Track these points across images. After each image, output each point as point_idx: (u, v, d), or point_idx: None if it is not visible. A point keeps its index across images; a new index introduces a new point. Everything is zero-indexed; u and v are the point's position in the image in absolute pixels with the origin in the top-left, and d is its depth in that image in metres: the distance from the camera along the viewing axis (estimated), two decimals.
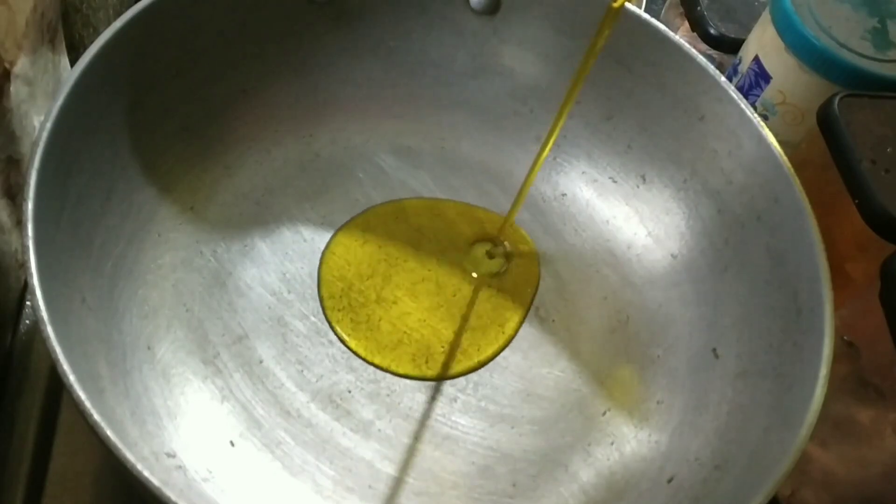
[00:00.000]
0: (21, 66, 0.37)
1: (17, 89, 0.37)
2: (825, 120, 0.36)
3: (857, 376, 0.38)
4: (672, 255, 0.43)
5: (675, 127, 0.43)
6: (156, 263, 0.38)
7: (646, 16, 0.41)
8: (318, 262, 0.41)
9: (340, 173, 0.44)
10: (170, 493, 0.27)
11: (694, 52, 0.41)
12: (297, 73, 0.43)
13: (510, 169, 0.46)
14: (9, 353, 0.39)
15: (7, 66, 0.36)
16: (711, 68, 0.41)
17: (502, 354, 0.40)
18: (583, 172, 0.46)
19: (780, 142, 0.39)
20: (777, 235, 0.38)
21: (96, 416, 0.27)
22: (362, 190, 0.44)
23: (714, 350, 0.40)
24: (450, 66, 0.45)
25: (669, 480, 0.36)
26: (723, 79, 0.40)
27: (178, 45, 0.38)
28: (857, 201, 0.34)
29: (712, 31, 0.51)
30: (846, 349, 0.38)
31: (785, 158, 0.38)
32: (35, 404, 0.38)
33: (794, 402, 0.33)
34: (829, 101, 0.37)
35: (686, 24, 0.62)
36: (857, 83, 0.41)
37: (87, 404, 0.27)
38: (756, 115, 0.39)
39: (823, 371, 0.33)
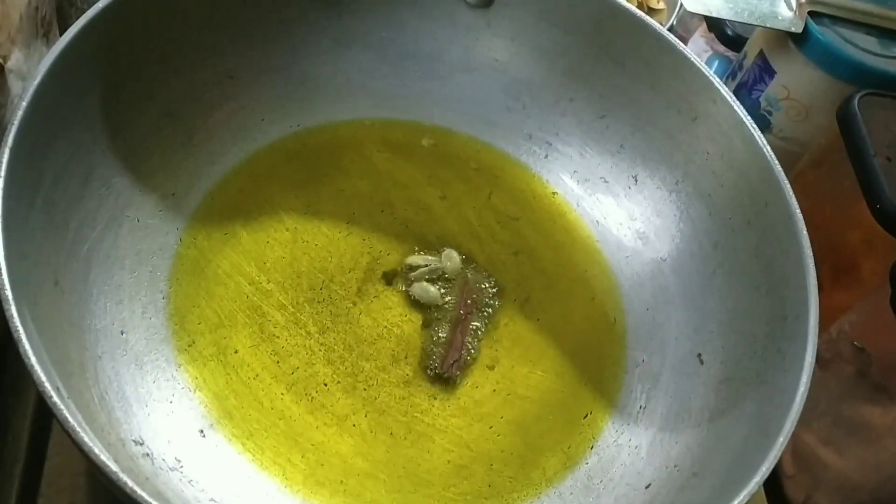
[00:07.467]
0: (15, 60, 0.37)
1: (10, 84, 0.36)
2: (844, 117, 0.36)
3: (869, 381, 0.38)
4: (661, 259, 0.42)
5: (669, 127, 0.42)
6: (134, 249, 0.38)
7: (641, 14, 0.41)
8: (299, 253, 0.40)
9: (327, 164, 0.43)
10: (127, 479, 0.26)
11: (688, 51, 0.40)
12: (285, 61, 0.43)
13: (501, 165, 0.45)
14: (3, 351, 0.39)
15: (1, 60, 0.36)
16: (705, 68, 0.40)
17: (483, 353, 0.40)
18: (574, 171, 0.45)
19: (783, 138, 0.38)
20: (766, 240, 0.37)
21: (55, 398, 0.27)
22: (349, 181, 0.43)
23: (699, 356, 0.39)
24: (442, 58, 0.45)
25: (647, 486, 0.36)
26: (717, 79, 0.40)
27: (162, 30, 0.38)
28: (867, 197, 0.34)
29: (729, 31, 0.51)
30: (857, 355, 0.38)
31: (776, 162, 0.37)
32: (30, 403, 0.38)
33: (774, 411, 0.32)
34: (849, 99, 0.37)
35: (704, 24, 0.62)
36: (861, 79, 0.40)
37: (47, 385, 0.27)
38: (749, 117, 0.39)
39: (804, 379, 0.32)
